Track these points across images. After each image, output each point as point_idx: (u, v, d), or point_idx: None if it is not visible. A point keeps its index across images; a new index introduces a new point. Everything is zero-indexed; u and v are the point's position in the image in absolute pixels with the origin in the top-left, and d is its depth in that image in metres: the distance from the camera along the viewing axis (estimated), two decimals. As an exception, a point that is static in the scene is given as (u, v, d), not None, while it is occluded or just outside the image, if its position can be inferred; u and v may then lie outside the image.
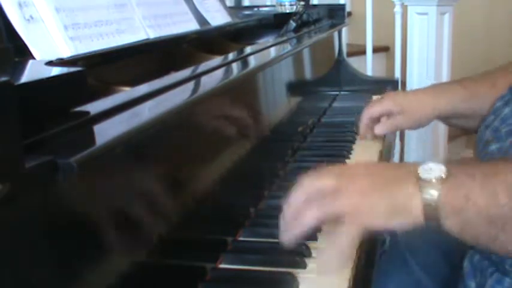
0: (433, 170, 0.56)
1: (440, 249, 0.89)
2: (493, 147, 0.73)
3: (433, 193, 0.55)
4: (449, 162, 0.58)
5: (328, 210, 0.58)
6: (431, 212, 0.55)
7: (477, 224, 0.54)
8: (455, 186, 0.55)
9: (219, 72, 0.76)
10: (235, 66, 0.83)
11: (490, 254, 0.67)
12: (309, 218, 0.58)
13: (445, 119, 0.96)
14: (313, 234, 0.72)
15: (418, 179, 0.56)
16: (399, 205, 0.56)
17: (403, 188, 0.57)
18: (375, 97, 1.43)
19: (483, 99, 0.85)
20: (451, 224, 0.55)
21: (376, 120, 1.00)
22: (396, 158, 2.26)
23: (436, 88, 0.97)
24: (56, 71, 0.53)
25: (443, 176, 0.55)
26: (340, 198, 0.58)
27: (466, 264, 0.72)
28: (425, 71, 2.10)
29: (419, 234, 0.95)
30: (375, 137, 1.03)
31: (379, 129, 0.99)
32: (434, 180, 0.55)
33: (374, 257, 0.71)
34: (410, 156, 2.28)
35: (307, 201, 0.59)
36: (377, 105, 0.99)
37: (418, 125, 0.98)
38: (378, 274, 0.79)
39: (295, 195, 0.60)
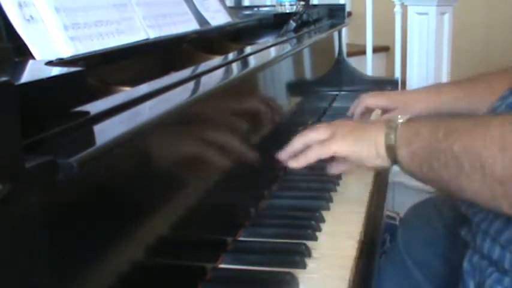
0: (400, 118, 0.70)
1: (438, 250, 0.89)
2: None
3: (393, 130, 0.68)
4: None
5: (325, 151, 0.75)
6: (390, 144, 0.68)
7: (421, 155, 0.64)
8: (410, 124, 0.68)
9: (219, 72, 0.76)
10: (235, 66, 0.83)
11: (490, 254, 0.67)
12: (311, 155, 0.75)
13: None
14: (313, 235, 0.72)
15: (386, 123, 0.70)
16: (366, 138, 0.71)
17: (372, 129, 0.72)
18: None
19: (479, 99, 0.90)
20: (401, 154, 0.67)
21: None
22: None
23: (432, 87, 1.04)
24: (56, 71, 0.53)
25: (405, 120, 0.69)
26: (331, 142, 0.74)
27: (465, 264, 0.72)
28: (425, 71, 2.10)
29: (418, 235, 0.96)
30: None
31: None
32: (398, 121, 0.69)
33: (374, 257, 0.71)
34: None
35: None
36: (373, 100, 1.02)
37: None
38: (378, 274, 0.80)
39: (298, 139, 0.78)
